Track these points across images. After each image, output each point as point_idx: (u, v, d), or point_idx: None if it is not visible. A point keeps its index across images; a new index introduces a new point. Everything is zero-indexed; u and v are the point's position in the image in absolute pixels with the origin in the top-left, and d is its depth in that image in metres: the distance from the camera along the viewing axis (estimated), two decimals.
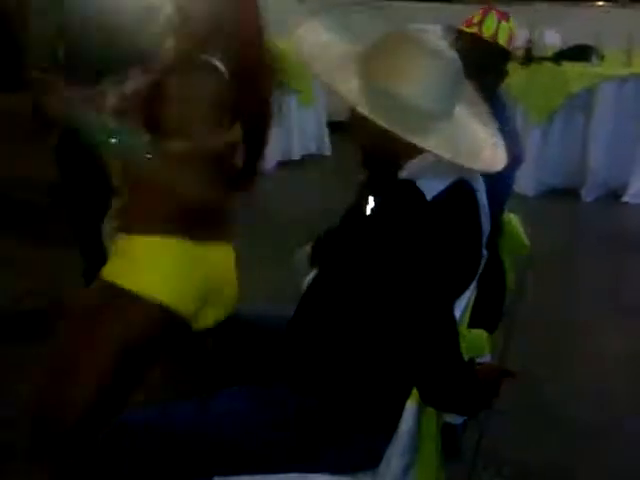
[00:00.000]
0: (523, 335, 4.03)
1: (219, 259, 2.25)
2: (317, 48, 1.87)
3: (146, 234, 2.11)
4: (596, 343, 4.09)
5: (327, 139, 7.50)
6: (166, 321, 2.12)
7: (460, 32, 2.97)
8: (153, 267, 2.12)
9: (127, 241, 2.15)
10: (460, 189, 1.89)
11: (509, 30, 2.98)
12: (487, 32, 2.96)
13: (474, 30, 2.97)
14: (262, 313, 2.36)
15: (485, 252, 2.00)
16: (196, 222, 2.13)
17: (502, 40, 2.96)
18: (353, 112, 1.86)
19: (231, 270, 2.30)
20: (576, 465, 3.09)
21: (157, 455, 1.95)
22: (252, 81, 2.16)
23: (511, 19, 3.02)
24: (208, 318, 2.22)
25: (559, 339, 4.11)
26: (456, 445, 3.02)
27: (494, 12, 2.99)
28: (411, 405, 1.89)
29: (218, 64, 2.03)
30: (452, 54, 1.85)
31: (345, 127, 1.95)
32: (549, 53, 6.60)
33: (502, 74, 3.01)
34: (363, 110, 1.76)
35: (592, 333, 4.20)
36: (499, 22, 2.96)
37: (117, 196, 2.25)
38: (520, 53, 6.46)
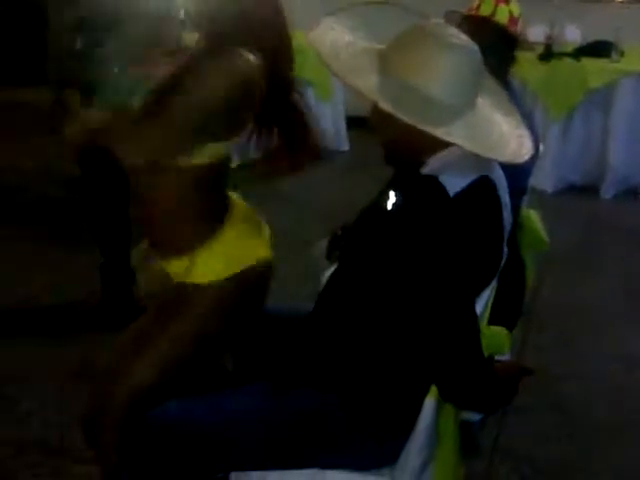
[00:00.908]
0: (541, 332, 4.05)
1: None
2: (336, 46, 1.86)
3: (191, 247, 2.17)
4: (614, 341, 4.07)
5: (345, 134, 7.48)
6: (251, 277, 2.22)
7: (462, 17, 2.95)
8: (214, 261, 2.19)
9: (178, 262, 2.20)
10: (483, 186, 1.88)
11: (508, 12, 2.94)
12: (484, 14, 2.95)
13: (472, 14, 2.97)
14: (280, 308, 2.36)
15: (506, 249, 1.99)
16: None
17: (501, 21, 2.94)
18: (374, 108, 1.85)
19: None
20: (593, 463, 3.09)
21: (175, 451, 1.96)
22: (277, 66, 2.19)
23: (512, 3, 2.99)
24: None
25: (577, 337, 4.09)
26: (474, 442, 3.02)
27: None
28: (430, 402, 1.89)
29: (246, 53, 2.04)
30: (472, 46, 1.84)
31: (363, 122, 1.95)
32: (569, 49, 6.57)
33: (507, 57, 2.97)
34: (386, 106, 1.75)
35: (610, 331, 4.17)
36: (496, 4, 2.94)
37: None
38: (540, 49, 6.44)
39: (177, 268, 2.20)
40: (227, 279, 2.16)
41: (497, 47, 2.81)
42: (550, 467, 3.05)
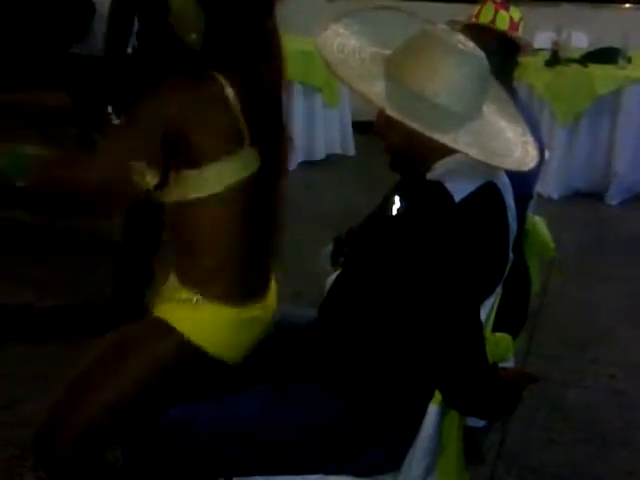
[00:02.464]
0: (545, 338, 4.05)
1: (269, 310, 2.25)
2: (342, 52, 1.86)
3: (203, 300, 2.11)
4: (618, 346, 4.06)
5: (351, 139, 7.50)
6: (207, 363, 2.12)
7: (463, 25, 2.96)
8: (209, 327, 2.12)
9: (185, 293, 2.14)
10: (488, 192, 1.88)
11: (509, 19, 2.95)
12: (484, 21, 2.95)
13: (472, 22, 2.98)
14: (284, 312, 2.36)
15: (511, 255, 2.00)
16: (246, 283, 2.15)
17: (501, 27, 2.94)
18: (381, 114, 1.86)
19: (272, 314, 2.29)
20: (597, 469, 3.08)
21: (177, 455, 1.95)
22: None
23: (513, 8, 2.99)
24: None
25: (582, 342, 4.08)
26: (478, 448, 3.02)
27: (491, 3, 2.98)
28: (434, 408, 1.88)
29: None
30: (479, 53, 1.84)
31: (370, 128, 1.95)
32: (575, 55, 6.57)
33: (510, 63, 2.97)
34: (393, 113, 1.75)
35: (616, 337, 4.17)
36: (496, 11, 2.95)
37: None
38: (546, 55, 6.44)
39: (170, 308, 2.16)
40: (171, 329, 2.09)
41: (499, 53, 2.82)
42: (555, 473, 3.04)
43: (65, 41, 4.90)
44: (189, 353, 2.09)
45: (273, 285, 2.29)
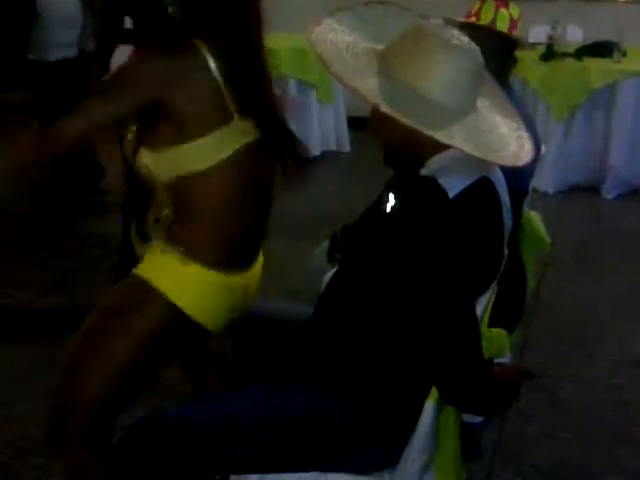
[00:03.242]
0: (542, 333, 4.05)
1: (251, 281, 2.25)
2: (336, 47, 1.86)
3: (188, 258, 2.10)
4: (616, 341, 4.07)
5: (347, 136, 7.50)
6: (190, 330, 2.14)
7: (460, 25, 2.94)
8: (191, 288, 2.12)
9: (171, 254, 2.13)
10: (482, 187, 1.87)
11: (509, 17, 2.94)
12: (485, 20, 2.94)
13: (472, 20, 2.96)
14: (280, 310, 2.36)
15: (506, 250, 1.99)
16: (235, 252, 2.15)
17: (501, 27, 2.93)
18: (374, 110, 1.85)
19: (257, 282, 2.30)
20: (594, 465, 3.08)
21: (174, 452, 1.95)
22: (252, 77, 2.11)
23: (512, 6, 2.98)
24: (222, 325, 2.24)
25: (579, 338, 4.08)
26: (475, 444, 3.01)
27: (491, 0, 2.97)
28: (430, 405, 1.88)
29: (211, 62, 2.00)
30: (473, 47, 1.83)
31: (365, 124, 1.94)
32: (571, 49, 6.57)
33: (508, 61, 2.97)
34: (386, 109, 1.74)
35: (613, 332, 4.17)
36: (497, 9, 2.93)
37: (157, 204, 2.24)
38: (541, 49, 6.44)
39: (154, 267, 2.16)
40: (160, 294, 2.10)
41: (498, 53, 2.81)
42: (552, 469, 3.04)
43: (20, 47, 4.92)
44: (172, 318, 2.10)
45: (260, 258, 2.29)
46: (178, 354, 2.28)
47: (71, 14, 5.05)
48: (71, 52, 5.12)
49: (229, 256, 2.14)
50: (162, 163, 2.05)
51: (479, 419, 2.75)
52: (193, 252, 2.09)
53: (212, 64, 1.99)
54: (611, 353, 3.93)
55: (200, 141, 2.00)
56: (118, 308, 2.13)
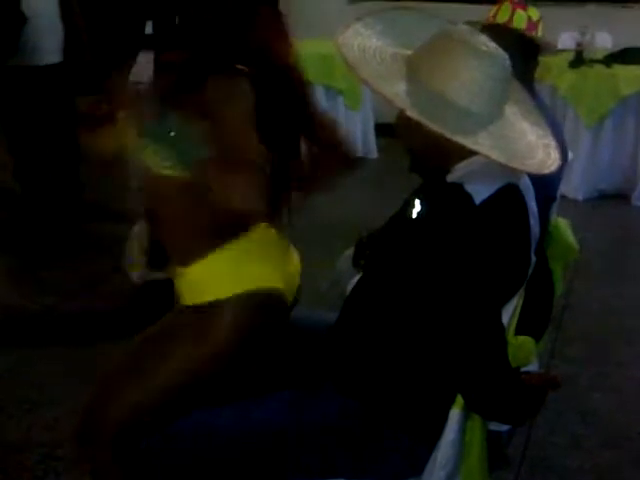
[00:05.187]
0: (570, 341, 4.01)
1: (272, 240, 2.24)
2: (363, 51, 1.85)
3: (200, 257, 2.12)
4: None
5: (374, 142, 7.48)
6: (266, 303, 2.13)
7: (482, 27, 2.93)
8: (222, 274, 2.13)
9: (189, 274, 2.16)
10: (509, 194, 1.86)
11: (527, 18, 2.92)
12: (501, 20, 2.93)
13: (489, 21, 2.96)
14: (306, 316, 2.35)
15: (534, 257, 1.98)
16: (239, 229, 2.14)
17: (518, 26, 2.91)
18: (401, 115, 1.84)
19: (289, 251, 2.30)
20: (623, 474, 3.05)
21: (196, 460, 1.95)
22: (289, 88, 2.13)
23: (531, 8, 2.96)
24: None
25: (607, 345, 4.05)
26: (502, 452, 3.00)
27: (508, 2, 2.96)
28: (456, 413, 1.87)
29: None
30: (501, 54, 1.83)
31: (392, 130, 1.94)
32: (599, 55, 6.53)
33: (529, 63, 2.94)
34: (414, 114, 1.74)
35: None
36: (513, 10, 2.92)
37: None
38: (570, 55, 6.40)
39: (187, 294, 2.18)
40: (220, 302, 2.10)
41: (518, 54, 2.78)
42: (580, 478, 3.02)
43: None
44: (248, 306, 2.09)
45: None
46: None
47: (55, 20, 5.08)
48: (56, 57, 5.13)
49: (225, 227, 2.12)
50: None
51: (506, 427, 2.74)
52: (200, 248, 2.11)
53: (249, 91, 2.02)
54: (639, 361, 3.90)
55: None
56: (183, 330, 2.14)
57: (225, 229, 2.11)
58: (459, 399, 1.85)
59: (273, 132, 2.06)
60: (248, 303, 2.09)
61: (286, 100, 2.12)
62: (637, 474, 3.05)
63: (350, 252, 2.50)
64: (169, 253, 2.25)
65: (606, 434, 3.28)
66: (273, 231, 2.22)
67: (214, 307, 2.09)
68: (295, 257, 2.31)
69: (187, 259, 2.15)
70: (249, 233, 2.14)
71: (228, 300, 2.08)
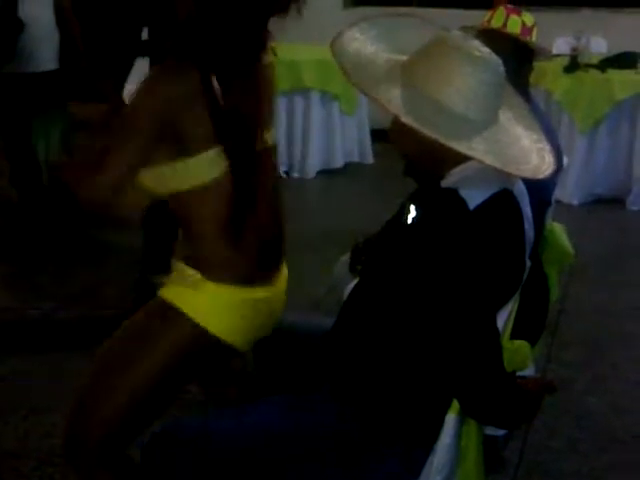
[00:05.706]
0: (566, 346, 4.02)
1: (276, 296, 2.25)
2: (358, 57, 1.86)
3: (206, 277, 2.11)
4: None
5: (370, 147, 7.49)
6: (215, 350, 2.15)
7: (477, 32, 2.94)
8: (214, 307, 2.12)
9: (189, 273, 2.14)
10: (503, 199, 1.87)
11: (521, 23, 2.93)
12: (495, 25, 2.94)
13: (484, 27, 2.97)
14: (303, 321, 2.35)
15: (529, 262, 1.98)
16: (253, 265, 2.14)
17: (512, 32, 2.92)
18: (395, 121, 1.85)
19: (283, 298, 2.29)
20: (618, 478, 3.05)
21: (192, 466, 1.95)
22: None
23: (525, 14, 2.97)
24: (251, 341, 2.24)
25: (603, 349, 4.05)
26: (499, 457, 3.00)
27: (503, 8, 2.97)
28: (452, 417, 1.87)
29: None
30: (495, 59, 1.83)
31: (388, 135, 1.94)
32: (594, 60, 6.54)
33: (524, 68, 2.95)
34: (408, 120, 1.75)
35: (637, 344, 4.14)
36: (508, 16, 2.93)
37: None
38: (565, 60, 6.42)
39: (176, 290, 2.17)
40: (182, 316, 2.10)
41: (513, 58, 2.80)
42: None
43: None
44: (198, 339, 2.10)
45: (283, 272, 2.28)
46: (202, 372, 2.28)
47: (51, 27, 5.09)
48: (52, 64, 5.14)
49: (248, 270, 2.13)
50: (155, 179, 2.06)
51: (503, 431, 2.74)
52: (211, 270, 2.10)
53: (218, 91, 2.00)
54: (637, 364, 3.90)
55: (193, 159, 2.01)
56: (143, 331, 2.15)
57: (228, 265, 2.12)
58: (455, 404, 1.86)
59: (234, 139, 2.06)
60: (204, 338, 2.11)
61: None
62: (633, 478, 3.05)
63: (346, 257, 2.50)
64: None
65: (602, 438, 3.28)
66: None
67: (179, 315, 2.11)
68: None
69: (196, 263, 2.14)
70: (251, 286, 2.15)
71: (189, 320, 2.09)
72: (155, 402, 2.14)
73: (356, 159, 7.44)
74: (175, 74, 2.00)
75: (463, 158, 1.80)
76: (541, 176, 1.82)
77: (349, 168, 7.26)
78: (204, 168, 2.02)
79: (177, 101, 1.97)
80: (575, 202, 6.34)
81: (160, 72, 2.05)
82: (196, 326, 2.09)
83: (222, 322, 2.12)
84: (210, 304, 2.12)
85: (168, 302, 2.13)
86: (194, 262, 2.11)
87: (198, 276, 2.09)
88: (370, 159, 7.50)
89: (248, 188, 2.08)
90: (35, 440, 3.16)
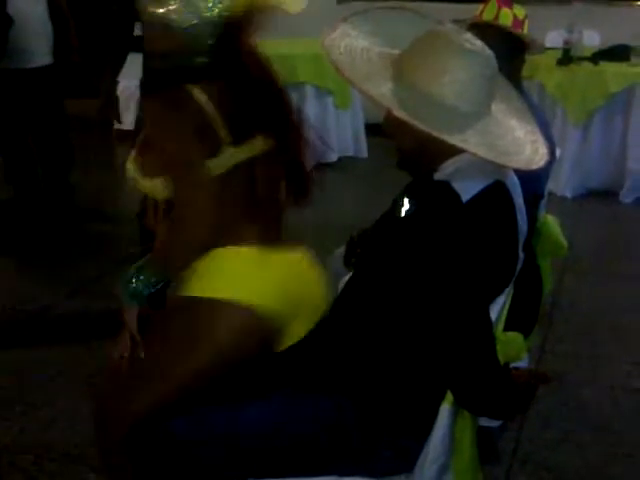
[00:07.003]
0: (560, 338, 4.04)
1: (294, 263, 2.22)
2: (350, 52, 1.87)
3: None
4: (634, 346, 4.05)
5: (364, 141, 7.49)
6: (256, 326, 2.07)
7: (469, 25, 2.94)
8: (232, 274, 2.11)
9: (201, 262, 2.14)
10: (496, 191, 1.88)
11: (512, 16, 2.93)
12: (487, 18, 2.95)
13: (476, 20, 2.97)
14: None
15: (522, 254, 1.99)
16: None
17: (504, 24, 2.93)
18: (389, 115, 1.86)
19: (311, 277, 2.26)
20: (613, 469, 3.06)
21: (190, 458, 1.96)
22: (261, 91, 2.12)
23: (517, 6, 2.98)
24: (296, 332, 2.17)
25: (597, 341, 4.07)
26: (493, 448, 3.01)
27: (494, 0, 2.97)
28: (445, 408, 1.88)
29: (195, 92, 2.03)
30: (487, 52, 1.84)
31: (382, 129, 1.95)
32: (587, 53, 6.55)
33: (516, 60, 2.95)
34: (399, 113, 1.76)
35: (630, 335, 4.15)
36: (499, 9, 2.94)
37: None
38: (558, 53, 6.42)
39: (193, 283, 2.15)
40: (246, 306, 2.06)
41: (505, 51, 2.80)
42: (570, 473, 3.03)
43: None
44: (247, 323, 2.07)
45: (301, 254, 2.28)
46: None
47: (44, 22, 5.07)
48: (46, 59, 5.13)
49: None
50: (152, 185, 2.12)
51: (497, 422, 2.75)
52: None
53: (204, 103, 2.02)
54: (630, 356, 3.92)
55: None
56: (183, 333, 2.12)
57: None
58: (449, 395, 1.87)
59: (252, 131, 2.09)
60: (249, 318, 2.06)
61: (261, 100, 2.12)
62: (627, 469, 3.06)
63: (341, 251, 2.51)
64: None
65: (597, 429, 3.30)
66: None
67: (210, 304, 2.07)
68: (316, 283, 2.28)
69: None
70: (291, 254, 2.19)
71: (226, 303, 2.06)
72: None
73: (351, 153, 7.43)
74: (175, 109, 2.04)
75: (456, 151, 1.81)
76: (534, 167, 1.83)
77: (344, 162, 7.25)
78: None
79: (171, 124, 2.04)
80: (568, 195, 6.35)
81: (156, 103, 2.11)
82: (227, 304, 2.05)
83: (251, 285, 2.08)
84: (230, 269, 2.11)
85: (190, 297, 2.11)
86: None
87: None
88: (365, 153, 7.49)
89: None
90: (32, 435, 3.17)
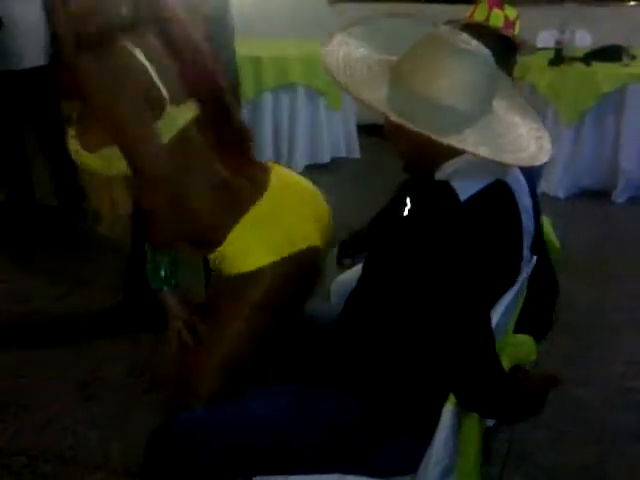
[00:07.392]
0: (553, 337, 4.02)
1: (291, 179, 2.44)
2: (348, 60, 1.86)
3: (225, 234, 2.22)
4: (629, 345, 4.06)
5: (356, 142, 7.49)
6: (285, 274, 2.25)
7: (462, 26, 2.94)
8: (248, 249, 2.23)
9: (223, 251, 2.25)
10: (497, 190, 1.87)
11: (503, 16, 2.94)
12: (478, 18, 2.95)
13: (467, 21, 2.98)
14: (312, 310, 2.38)
15: (530, 255, 1.98)
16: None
17: (495, 25, 2.93)
18: (387, 121, 1.86)
19: (294, 188, 2.46)
20: (608, 469, 3.07)
21: (198, 454, 1.96)
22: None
23: (508, 7, 2.98)
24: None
25: (590, 341, 4.07)
26: (487, 448, 3.01)
27: (485, 1, 2.98)
28: (449, 409, 1.87)
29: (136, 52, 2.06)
30: (483, 50, 1.84)
31: (374, 130, 1.95)
32: (579, 54, 6.56)
33: (507, 61, 2.94)
34: (394, 118, 1.76)
35: (624, 335, 4.16)
36: (490, 9, 2.94)
37: None
38: (550, 53, 6.43)
39: (212, 264, 2.28)
40: (270, 265, 2.21)
41: (495, 51, 2.80)
42: (564, 473, 3.04)
43: None
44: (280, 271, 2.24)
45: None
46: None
47: (34, 23, 5.05)
48: (40, 60, 5.11)
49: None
50: (102, 161, 2.13)
51: (491, 422, 2.75)
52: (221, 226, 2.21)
53: (143, 59, 2.06)
54: (623, 356, 3.92)
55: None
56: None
57: (226, 199, 2.23)
58: (452, 396, 1.86)
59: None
60: (284, 269, 2.23)
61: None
62: (621, 469, 3.07)
63: (333, 251, 2.51)
64: (194, 243, 2.34)
65: (590, 428, 3.30)
66: (288, 180, 2.41)
67: (255, 274, 2.21)
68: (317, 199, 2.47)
69: (215, 240, 2.23)
70: (266, 194, 2.27)
71: (266, 268, 2.21)
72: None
73: (343, 154, 7.43)
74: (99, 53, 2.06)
75: (457, 152, 1.80)
76: (537, 163, 1.82)
77: (336, 163, 7.25)
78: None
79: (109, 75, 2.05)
80: (561, 195, 6.36)
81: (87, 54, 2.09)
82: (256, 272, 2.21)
83: (281, 236, 2.25)
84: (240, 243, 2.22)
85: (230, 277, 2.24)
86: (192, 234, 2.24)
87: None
88: (357, 154, 7.49)
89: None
90: (26, 437, 3.16)
